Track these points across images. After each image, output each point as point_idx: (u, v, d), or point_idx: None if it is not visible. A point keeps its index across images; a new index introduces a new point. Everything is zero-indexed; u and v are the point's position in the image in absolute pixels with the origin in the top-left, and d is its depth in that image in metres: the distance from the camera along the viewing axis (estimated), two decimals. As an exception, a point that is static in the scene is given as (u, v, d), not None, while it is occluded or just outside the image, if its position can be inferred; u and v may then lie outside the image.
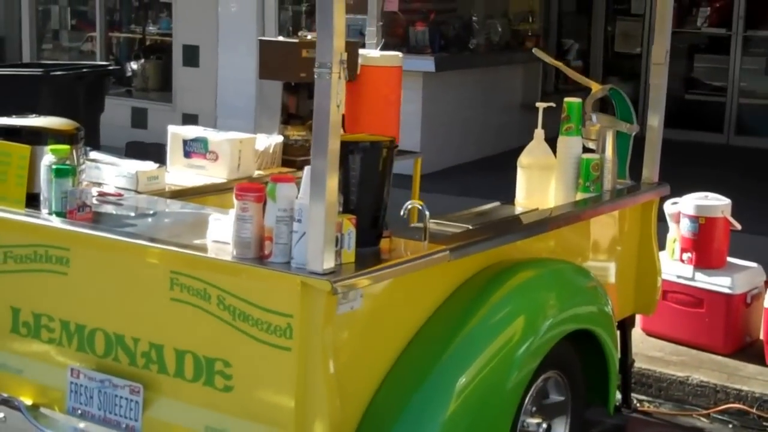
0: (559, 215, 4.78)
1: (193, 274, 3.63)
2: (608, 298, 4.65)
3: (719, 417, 5.61)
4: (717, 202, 6.21)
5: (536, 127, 5.08)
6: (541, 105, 5.15)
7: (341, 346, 3.56)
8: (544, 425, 4.25)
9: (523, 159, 5.14)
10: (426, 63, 10.55)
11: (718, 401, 5.69)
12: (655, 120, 5.39)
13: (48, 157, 3.99)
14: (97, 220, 4.02)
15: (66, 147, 4.03)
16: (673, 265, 6.26)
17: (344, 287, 3.42)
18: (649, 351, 6.19)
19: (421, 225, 3.95)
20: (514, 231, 4.47)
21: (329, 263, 3.40)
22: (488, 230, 4.42)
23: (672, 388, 5.86)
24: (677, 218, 6.28)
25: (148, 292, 3.76)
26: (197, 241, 3.74)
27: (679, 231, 6.26)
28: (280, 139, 5.33)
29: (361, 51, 5.67)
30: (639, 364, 5.96)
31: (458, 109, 10.97)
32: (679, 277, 6.21)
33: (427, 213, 3.98)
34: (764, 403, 5.60)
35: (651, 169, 5.43)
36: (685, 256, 6.21)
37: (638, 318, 6.43)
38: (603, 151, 5.19)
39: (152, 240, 3.82)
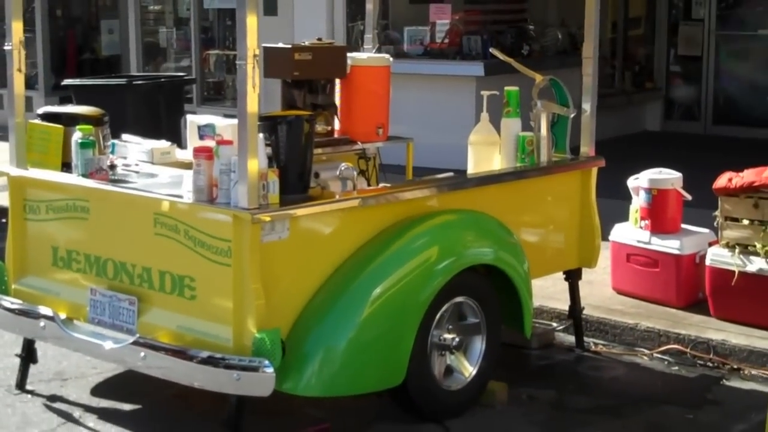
0: (477, 177, 6.06)
1: (168, 214, 5.05)
2: (518, 242, 5.85)
3: (660, 357, 6.65)
4: (669, 176, 7.36)
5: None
6: (485, 93, 6.45)
7: (274, 265, 4.90)
8: (458, 339, 5.52)
9: (472, 137, 6.46)
10: (476, 68, 11.78)
11: (661, 344, 6.78)
12: (588, 105, 6.60)
13: (76, 134, 5.46)
14: (111, 180, 5.45)
15: (89, 127, 5.51)
16: (634, 232, 7.41)
17: (265, 219, 4.77)
18: (613, 305, 7.32)
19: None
20: (430, 186, 5.74)
21: (253, 202, 4.76)
22: (407, 186, 5.73)
23: (624, 334, 6.96)
24: (637, 191, 7.44)
25: (140, 229, 5.18)
26: (174, 192, 5.15)
27: (638, 202, 7.42)
28: (281, 125, 6.66)
29: (351, 54, 6.94)
30: (600, 314, 7.12)
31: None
32: (638, 241, 7.34)
33: (355, 172, 5.34)
34: (699, 344, 6.61)
35: (587, 145, 6.65)
36: (643, 223, 7.35)
37: (609, 278, 7.65)
38: (539, 130, 6.44)
39: (143, 192, 5.25)
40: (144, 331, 5.15)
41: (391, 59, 6.98)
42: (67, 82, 10.19)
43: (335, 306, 5.12)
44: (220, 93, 14.27)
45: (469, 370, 5.65)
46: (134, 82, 9.99)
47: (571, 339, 6.88)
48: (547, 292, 7.29)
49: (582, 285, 7.47)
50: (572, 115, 6.57)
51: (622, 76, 15.44)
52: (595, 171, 6.66)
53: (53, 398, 5.76)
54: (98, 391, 5.83)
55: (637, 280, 7.38)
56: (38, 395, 5.81)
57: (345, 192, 5.34)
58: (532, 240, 6.36)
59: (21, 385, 5.86)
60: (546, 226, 6.48)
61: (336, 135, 6.74)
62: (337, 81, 6.68)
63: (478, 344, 5.69)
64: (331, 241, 5.22)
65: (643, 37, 15.68)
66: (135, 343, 5.07)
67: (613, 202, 7.98)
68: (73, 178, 5.49)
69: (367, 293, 5.16)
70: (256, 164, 4.76)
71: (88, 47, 16.25)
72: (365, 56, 6.97)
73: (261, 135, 4.96)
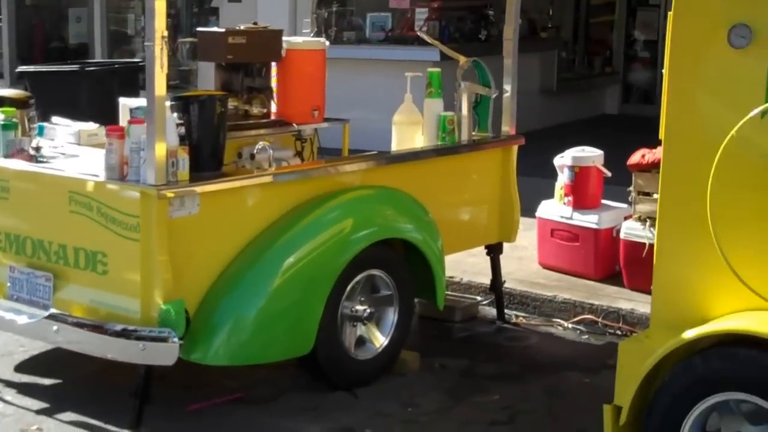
0: (392, 155, 6.21)
1: (81, 192, 5.18)
2: (432, 219, 5.99)
3: (574, 327, 6.84)
4: (590, 154, 7.51)
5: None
6: (408, 74, 6.59)
7: (184, 240, 5.04)
8: (369, 311, 5.67)
9: (396, 117, 6.61)
10: (432, 53, 11.88)
11: (576, 314, 6.96)
12: (509, 86, 6.73)
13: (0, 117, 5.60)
14: (36, 161, 5.58)
15: (12, 109, 5.63)
16: (559, 208, 7.57)
17: (172, 195, 4.91)
18: (537, 279, 7.49)
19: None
20: (344, 164, 5.88)
21: (161, 179, 4.91)
22: (321, 163, 5.88)
23: (543, 306, 7.14)
24: (562, 169, 7.59)
25: (56, 208, 5.29)
26: (89, 170, 5.28)
27: (563, 179, 7.57)
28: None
29: (287, 38, 7.06)
30: (523, 288, 7.30)
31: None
32: (561, 217, 7.51)
33: (271, 151, 5.49)
34: (610, 314, 6.82)
35: (508, 124, 6.78)
36: (566, 199, 7.51)
37: (535, 253, 7.80)
38: (460, 109, 6.58)
39: (59, 172, 5.37)
40: (60, 307, 5.27)
41: (327, 43, 7.06)
42: (20, 69, 10.30)
43: (246, 277, 5.25)
44: (188, 80, 14.38)
45: (380, 340, 5.78)
46: (87, 69, 10.08)
47: (494, 312, 7.00)
48: (477, 268, 7.43)
49: (511, 260, 7.67)
50: (494, 96, 6.69)
51: (583, 61, 15.59)
52: (515, 149, 6.79)
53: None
54: (22, 367, 5.94)
55: (560, 254, 7.54)
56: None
57: (259, 169, 5.46)
58: (452, 215, 6.50)
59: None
60: (467, 203, 6.62)
61: (273, 117, 6.84)
62: (274, 64, 6.77)
63: (391, 315, 5.84)
64: (244, 217, 5.35)
65: (604, 22, 15.81)
66: (48, 317, 5.19)
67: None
68: (-9, 160, 5.60)
69: (278, 264, 5.30)
70: (163, 142, 4.88)
71: (57, 36, 16.35)
72: (300, 40, 7.07)
73: (174, 114, 5.09)
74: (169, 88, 5.04)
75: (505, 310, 7.06)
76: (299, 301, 5.33)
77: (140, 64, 10.82)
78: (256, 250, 5.34)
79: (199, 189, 5.06)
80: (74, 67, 10.23)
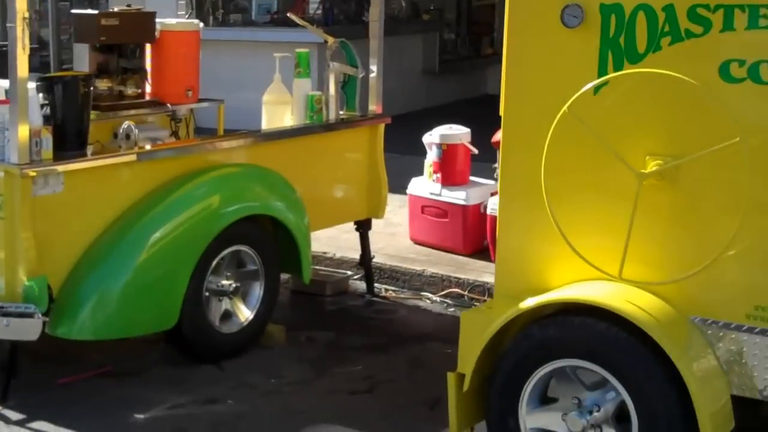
0: (259, 134, 6.30)
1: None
2: (298, 196, 6.07)
3: (442, 300, 6.98)
4: (457, 132, 7.65)
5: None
6: (277, 55, 6.64)
7: (49, 217, 5.06)
8: (235, 285, 5.74)
9: (265, 97, 6.67)
10: (315, 36, 11.94)
11: (444, 287, 7.11)
12: (375, 66, 6.82)
13: None
14: None
15: None
16: (428, 185, 7.70)
17: (34, 174, 4.92)
18: (408, 254, 7.62)
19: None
20: (212, 142, 5.95)
21: (24, 158, 4.91)
22: (188, 142, 5.92)
23: (413, 280, 7.28)
24: (430, 146, 7.71)
25: None
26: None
27: (431, 157, 7.70)
28: (87, 89, 6.74)
29: (161, 19, 7.05)
30: (394, 263, 7.42)
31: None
32: (431, 194, 7.64)
33: (136, 131, 5.51)
34: (476, 287, 6.99)
35: (375, 104, 6.88)
36: (435, 176, 7.64)
37: (407, 229, 7.93)
38: (328, 89, 6.65)
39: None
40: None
41: (201, 24, 7.08)
42: None
43: (111, 252, 5.30)
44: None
45: (246, 314, 5.87)
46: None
47: (365, 286, 7.12)
48: (350, 243, 7.52)
49: (384, 236, 7.79)
50: (360, 76, 6.77)
51: (465, 42, 15.77)
52: (382, 128, 6.89)
53: None
54: None
55: (431, 230, 7.68)
56: None
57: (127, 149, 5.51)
58: (321, 192, 6.58)
59: None
60: (335, 180, 6.71)
61: (147, 98, 6.84)
62: (148, 46, 6.76)
63: (257, 290, 5.93)
64: (109, 195, 5.39)
65: (487, 5, 16.01)
66: None
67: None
68: None
69: (143, 239, 5.35)
70: (26, 123, 4.90)
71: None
72: (174, 21, 7.07)
73: (39, 94, 5.09)
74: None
75: (376, 285, 7.19)
76: (164, 276, 5.39)
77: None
78: (122, 226, 5.38)
79: (62, 168, 5.08)
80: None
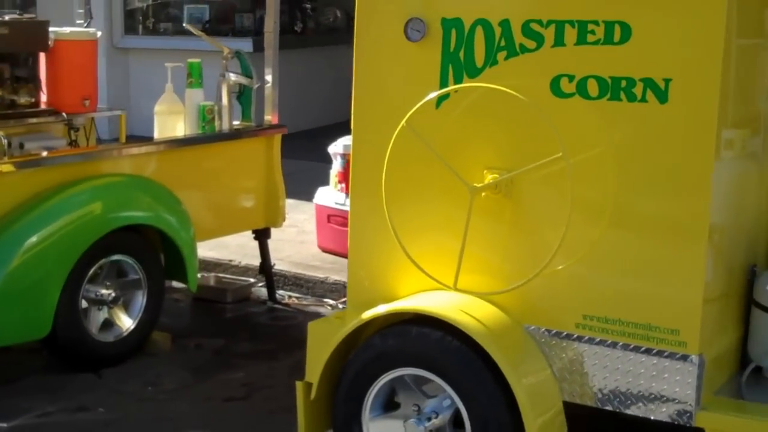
0: (142, 144, 6.26)
1: None
2: (182, 206, 6.02)
3: (343, 306, 6.94)
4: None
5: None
6: (169, 65, 6.61)
7: None
8: (114, 294, 5.70)
9: (157, 107, 6.62)
10: (245, 44, 11.93)
11: (345, 294, 7.07)
12: (270, 77, 6.80)
13: None
14: None
15: None
16: (334, 195, 7.69)
17: None
18: (313, 262, 7.61)
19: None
20: (93, 152, 5.92)
21: None
22: (68, 151, 5.89)
23: (316, 287, 7.26)
24: (336, 156, 7.70)
25: None
26: None
27: (336, 167, 7.68)
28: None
29: (55, 28, 7.01)
30: (298, 270, 7.41)
31: (284, 86, 12.37)
32: (336, 203, 7.63)
33: (5, 141, 5.48)
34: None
35: (271, 114, 6.85)
36: (340, 186, 7.62)
37: (315, 237, 7.91)
38: (220, 99, 6.62)
39: None
40: None
41: (98, 33, 7.05)
42: None
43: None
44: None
45: (128, 323, 5.83)
46: None
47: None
48: (258, 251, 7.46)
49: (293, 244, 7.79)
50: (255, 87, 6.74)
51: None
52: (278, 138, 6.86)
53: None
54: None
55: (337, 238, 7.65)
56: None
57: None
58: (214, 201, 6.54)
59: None
60: (229, 189, 6.67)
61: (43, 107, 6.79)
62: (43, 54, 6.72)
63: (140, 299, 5.87)
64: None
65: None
66: None
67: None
68: None
69: (14, 246, 5.28)
70: None
71: None
72: (68, 30, 7.03)
73: None
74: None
75: (279, 292, 7.15)
76: (35, 284, 5.32)
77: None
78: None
79: None
80: None
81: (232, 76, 6.66)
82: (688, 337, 3.67)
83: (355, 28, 4.21)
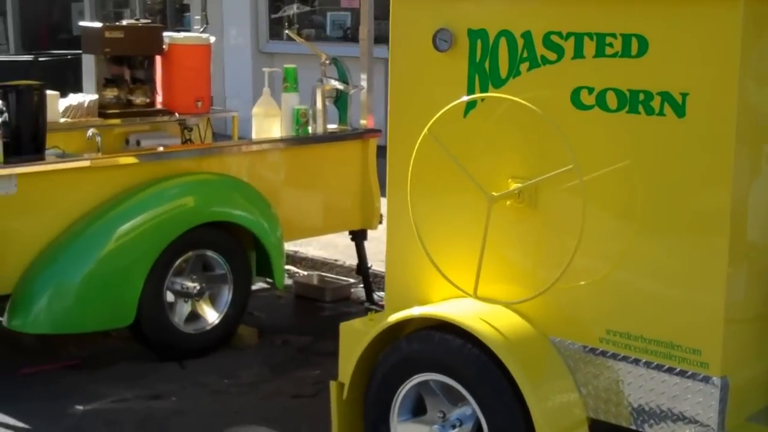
0: (223, 147, 6.43)
1: None
2: (272, 209, 6.17)
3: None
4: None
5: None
6: (266, 70, 6.78)
7: (1, 216, 5.28)
8: (199, 287, 5.88)
9: (255, 110, 6.80)
10: (382, 50, 12.04)
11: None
12: (365, 82, 6.88)
13: None
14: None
15: None
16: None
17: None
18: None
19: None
20: (180, 153, 6.12)
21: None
22: (151, 151, 6.12)
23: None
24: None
25: None
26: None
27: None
28: (94, 97, 6.96)
29: (170, 33, 7.29)
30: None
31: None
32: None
33: (99, 138, 5.72)
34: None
35: (365, 118, 6.94)
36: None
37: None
38: (314, 104, 6.75)
39: None
40: None
41: (212, 39, 7.28)
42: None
43: (69, 247, 5.48)
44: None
45: (213, 316, 5.99)
46: (39, 59, 10.39)
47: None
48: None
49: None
50: (351, 92, 6.84)
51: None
52: (374, 141, 6.94)
53: None
54: None
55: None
56: None
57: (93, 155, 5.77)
58: (308, 202, 6.66)
59: None
60: (324, 190, 6.78)
61: (159, 107, 7.07)
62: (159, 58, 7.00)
63: (225, 294, 6.03)
64: (68, 196, 5.57)
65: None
66: None
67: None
68: None
69: (104, 235, 5.53)
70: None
71: (65, 27, 16.68)
72: (182, 35, 7.30)
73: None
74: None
75: (378, 293, 7.20)
76: (121, 271, 5.53)
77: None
78: (82, 223, 5.55)
79: (9, 171, 5.28)
80: (28, 58, 10.55)
81: (334, 83, 6.76)
82: (710, 358, 3.53)
83: (389, 37, 4.24)
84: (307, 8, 13.26)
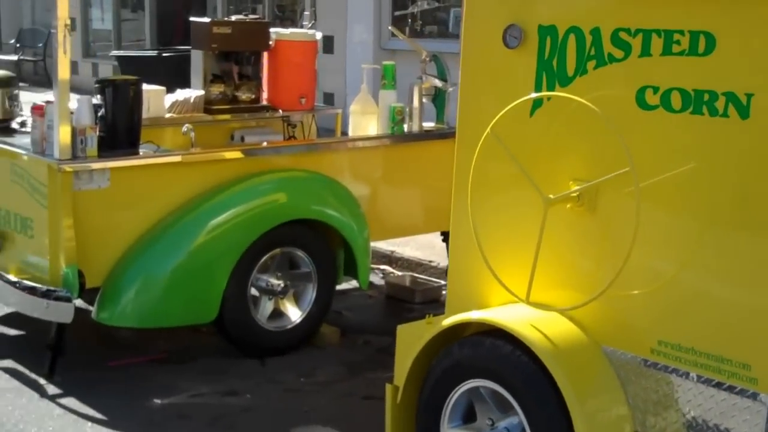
0: (317, 144, 6.43)
1: (17, 164, 5.53)
2: (358, 207, 6.09)
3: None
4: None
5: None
6: (366, 66, 6.76)
7: (94, 210, 5.34)
8: (283, 285, 5.84)
9: (352, 107, 6.75)
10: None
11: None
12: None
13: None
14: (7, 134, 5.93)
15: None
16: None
17: (70, 170, 5.20)
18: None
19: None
20: (270, 150, 6.10)
21: (65, 154, 5.20)
22: (242, 147, 6.12)
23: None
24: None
25: (2, 178, 5.66)
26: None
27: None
28: (200, 92, 6.99)
29: (276, 29, 7.27)
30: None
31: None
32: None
33: (193, 134, 5.76)
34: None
35: (461, 116, 6.81)
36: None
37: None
38: (411, 101, 6.67)
39: (4, 145, 5.71)
40: (3, 264, 5.68)
41: (318, 35, 7.26)
42: (113, 53, 10.87)
43: (157, 242, 5.51)
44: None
45: (296, 314, 5.95)
46: (163, 54, 10.56)
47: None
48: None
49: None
50: (450, 89, 6.73)
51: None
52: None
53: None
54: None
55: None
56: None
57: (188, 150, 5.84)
58: (400, 201, 6.57)
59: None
60: (417, 189, 6.68)
61: (264, 103, 7.10)
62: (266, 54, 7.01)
63: (310, 292, 5.98)
64: (159, 191, 5.59)
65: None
66: (-14, 275, 5.55)
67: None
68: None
69: (190, 232, 5.54)
70: (67, 122, 5.19)
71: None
72: (288, 31, 7.29)
73: (95, 96, 5.40)
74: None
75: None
76: (207, 267, 5.52)
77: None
78: (172, 218, 5.57)
79: (102, 165, 5.32)
80: (153, 53, 10.75)
81: (433, 80, 6.66)
82: (759, 374, 3.33)
83: (462, 33, 4.12)
84: (435, 4, 13.16)
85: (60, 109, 5.15)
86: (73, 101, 5.25)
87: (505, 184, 3.96)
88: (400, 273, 7.60)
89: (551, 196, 3.72)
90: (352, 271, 6.15)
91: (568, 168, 3.79)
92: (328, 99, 12.92)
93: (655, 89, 3.53)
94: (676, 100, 3.48)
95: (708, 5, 3.40)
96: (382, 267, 7.81)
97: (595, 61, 3.69)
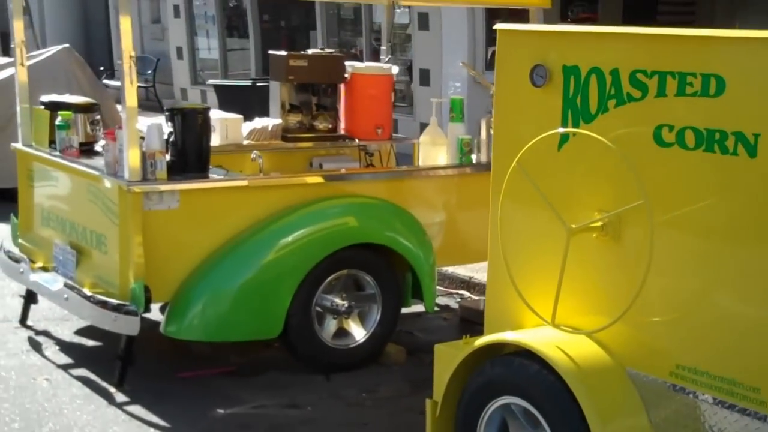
0: (383, 173, 6.86)
1: (93, 184, 6.06)
2: (425, 234, 6.49)
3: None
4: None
5: None
6: (434, 100, 7.09)
7: (164, 229, 5.84)
8: (347, 305, 6.26)
9: (422, 138, 7.15)
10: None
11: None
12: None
13: (57, 118, 6.51)
14: (80, 155, 6.47)
15: (69, 113, 6.55)
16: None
17: (139, 191, 5.71)
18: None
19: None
20: (334, 177, 6.51)
21: (134, 176, 5.71)
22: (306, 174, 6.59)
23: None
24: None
25: (81, 197, 6.23)
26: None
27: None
28: (278, 121, 7.46)
29: (352, 63, 7.67)
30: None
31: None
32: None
33: (260, 160, 6.16)
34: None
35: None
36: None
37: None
38: (479, 133, 6.98)
39: (82, 167, 6.25)
40: (80, 278, 6.24)
41: (395, 69, 7.63)
42: (210, 81, 11.46)
43: (228, 257, 5.97)
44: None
45: (360, 334, 6.37)
46: (256, 84, 11.13)
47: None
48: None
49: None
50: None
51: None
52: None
53: (43, 332, 6.97)
54: (80, 331, 6.98)
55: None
56: (32, 329, 7.04)
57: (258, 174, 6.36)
58: (467, 229, 6.87)
59: (23, 320, 7.06)
60: (485, 217, 6.93)
61: (342, 132, 7.50)
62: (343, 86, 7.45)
63: (374, 313, 6.37)
64: (226, 212, 6.04)
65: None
66: (63, 287, 6.13)
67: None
68: (52, 153, 6.56)
69: (260, 249, 5.97)
70: (136, 146, 5.73)
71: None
72: (364, 65, 7.70)
73: (160, 123, 5.92)
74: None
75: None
76: (274, 283, 5.97)
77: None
78: (243, 235, 6.01)
79: (169, 187, 5.82)
80: (247, 83, 11.34)
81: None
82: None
83: (495, 72, 4.44)
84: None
85: (129, 134, 5.66)
86: (144, 127, 5.66)
87: (533, 213, 4.27)
88: (476, 297, 7.87)
89: (573, 225, 3.99)
90: (419, 294, 6.44)
91: (593, 200, 4.14)
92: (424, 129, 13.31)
93: (671, 128, 3.85)
94: (690, 138, 3.78)
95: (718, 50, 3.76)
96: (461, 292, 8.10)
97: (615, 100, 4.02)
